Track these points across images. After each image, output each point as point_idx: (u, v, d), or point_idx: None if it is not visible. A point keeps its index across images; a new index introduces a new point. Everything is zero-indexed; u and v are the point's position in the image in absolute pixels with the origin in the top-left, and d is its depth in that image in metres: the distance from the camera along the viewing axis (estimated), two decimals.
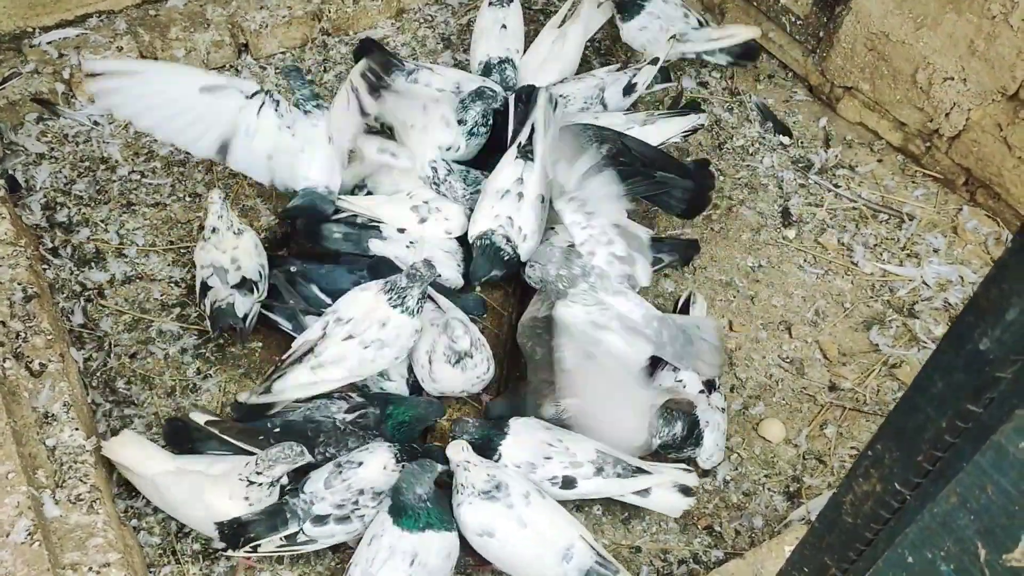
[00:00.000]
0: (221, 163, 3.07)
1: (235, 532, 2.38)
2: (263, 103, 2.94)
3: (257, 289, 2.86)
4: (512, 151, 3.03)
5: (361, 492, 2.43)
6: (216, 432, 2.56)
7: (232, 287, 2.81)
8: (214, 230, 2.87)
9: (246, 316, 2.81)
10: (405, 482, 2.27)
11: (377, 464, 2.44)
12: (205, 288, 2.86)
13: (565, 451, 2.53)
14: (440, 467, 2.36)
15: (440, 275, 2.83)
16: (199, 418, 2.60)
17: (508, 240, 2.90)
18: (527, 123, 3.06)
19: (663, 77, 3.60)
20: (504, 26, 3.58)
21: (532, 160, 2.97)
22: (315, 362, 2.59)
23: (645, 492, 2.57)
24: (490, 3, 3.61)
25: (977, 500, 1.00)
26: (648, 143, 3.20)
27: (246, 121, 2.92)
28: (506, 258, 2.91)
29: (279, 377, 2.60)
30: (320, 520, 2.42)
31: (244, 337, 2.88)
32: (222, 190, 2.95)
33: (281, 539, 2.42)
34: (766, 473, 2.78)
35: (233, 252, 2.87)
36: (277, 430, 2.55)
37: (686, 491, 2.56)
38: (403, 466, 2.43)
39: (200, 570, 2.51)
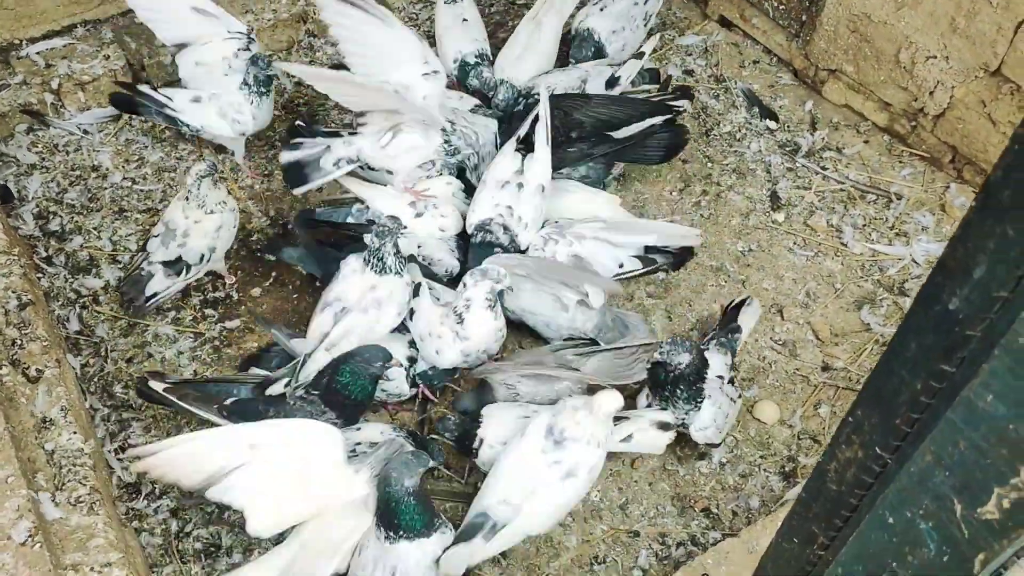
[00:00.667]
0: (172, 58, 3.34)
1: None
2: (234, 39, 3.25)
3: (186, 271, 2.97)
4: (511, 143, 3.08)
5: (359, 444, 2.52)
6: (175, 400, 2.58)
7: (162, 262, 2.94)
8: (187, 198, 2.94)
9: (153, 295, 2.96)
10: (396, 471, 2.24)
11: (375, 428, 2.57)
12: (145, 247, 3.00)
13: None
14: (432, 463, 2.35)
15: (405, 228, 2.84)
16: (157, 386, 2.61)
17: (506, 229, 2.93)
18: (528, 118, 3.09)
19: (651, 78, 3.64)
20: (465, 19, 3.63)
21: (532, 151, 3.00)
22: (327, 343, 2.64)
23: (627, 438, 2.59)
24: (445, 1, 3.65)
25: (951, 456, 1.02)
26: (617, 98, 3.27)
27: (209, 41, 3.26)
28: (508, 247, 2.94)
29: (302, 367, 2.63)
30: None
31: (136, 314, 2.99)
32: (210, 163, 2.96)
33: None
34: (761, 454, 2.80)
35: (192, 224, 2.94)
36: (228, 403, 2.57)
37: (665, 427, 2.58)
38: (397, 434, 2.53)
39: (202, 569, 2.52)
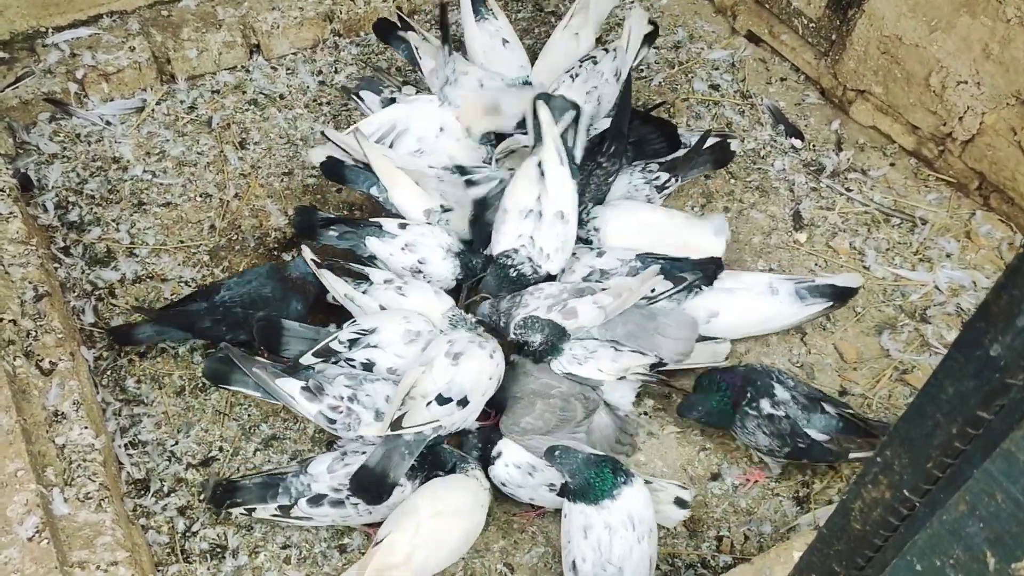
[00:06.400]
0: None
1: (224, 495, 2.51)
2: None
3: None
4: (530, 164, 2.92)
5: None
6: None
7: None
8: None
9: None
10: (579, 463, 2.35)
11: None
12: None
13: None
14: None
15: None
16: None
17: (531, 260, 2.86)
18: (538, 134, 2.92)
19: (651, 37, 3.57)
20: (506, 40, 3.52)
21: (543, 175, 2.87)
22: None
23: None
24: (477, 19, 3.52)
25: (986, 508, 0.99)
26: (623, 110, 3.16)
27: None
28: (530, 279, 2.88)
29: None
30: (316, 500, 2.49)
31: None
32: None
33: (276, 509, 2.50)
34: (775, 478, 2.76)
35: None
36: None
37: (681, 504, 2.55)
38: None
39: (208, 569, 2.51)
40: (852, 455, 2.59)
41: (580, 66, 3.38)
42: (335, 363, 2.67)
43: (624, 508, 2.32)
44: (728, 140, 3.33)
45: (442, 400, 2.47)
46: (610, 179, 3.13)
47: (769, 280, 2.96)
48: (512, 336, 2.67)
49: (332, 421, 2.55)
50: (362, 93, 3.45)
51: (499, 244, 2.91)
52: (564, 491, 2.39)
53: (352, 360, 2.67)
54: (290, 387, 2.55)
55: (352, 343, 2.67)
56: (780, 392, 2.59)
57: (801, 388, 2.66)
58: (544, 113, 2.88)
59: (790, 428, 2.55)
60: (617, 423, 2.77)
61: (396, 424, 2.41)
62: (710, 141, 3.27)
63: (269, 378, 2.55)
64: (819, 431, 2.56)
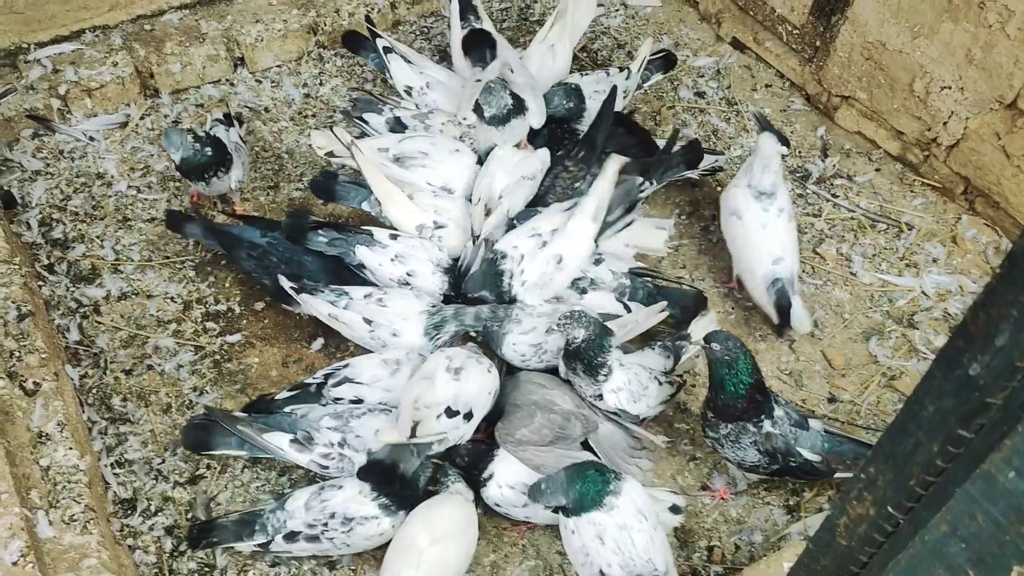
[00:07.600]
0: None
1: (200, 534, 2.50)
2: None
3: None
4: (567, 205, 2.94)
5: (332, 516, 2.45)
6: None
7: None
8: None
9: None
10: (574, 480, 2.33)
11: (354, 488, 2.47)
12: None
13: None
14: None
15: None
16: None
17: (511, 276, 2.85)
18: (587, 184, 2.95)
19: (662, 66, 3.67)
20: None
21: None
22: None
23: None
24: (464, 26, 3.53)
25: (967, 528, 0.99)
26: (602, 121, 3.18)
27: None
28: (503, 288, 2.86)
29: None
30: (291, 537, 2.46)
31: None
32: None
33: (255, 547, 2.50)
34: (766, 487, 2.76)
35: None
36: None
37: (676, 510, 2.55)
38: (375, 493, 2.47)
39: None
40: (838, 475, 2.57)
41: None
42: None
43: (630, 503, 2.33)
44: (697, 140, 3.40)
45: (451, 413, 2.49)
46: (577, 183, 3.12)
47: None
48: (554, 328, 2.62)
49: (325, 467, 2.56)
50: (365, 116, 3.41)
51: (503, 241, 2.89)
52: (566, 512, 2.36)
53: (340, 399, 2.69)
54: (279, 440, 2.57)
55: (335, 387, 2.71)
56: (777, 410, 2.55)
57: (790, 405, 2.63)
58: (611, 168, 2.84)
59: (784, 446, 2.52)
60: (627, 434, 2.76)
61: (412, 432, 2.43)
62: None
63: (256, 433, 2.57)
64: (810, 450, 2.54)
